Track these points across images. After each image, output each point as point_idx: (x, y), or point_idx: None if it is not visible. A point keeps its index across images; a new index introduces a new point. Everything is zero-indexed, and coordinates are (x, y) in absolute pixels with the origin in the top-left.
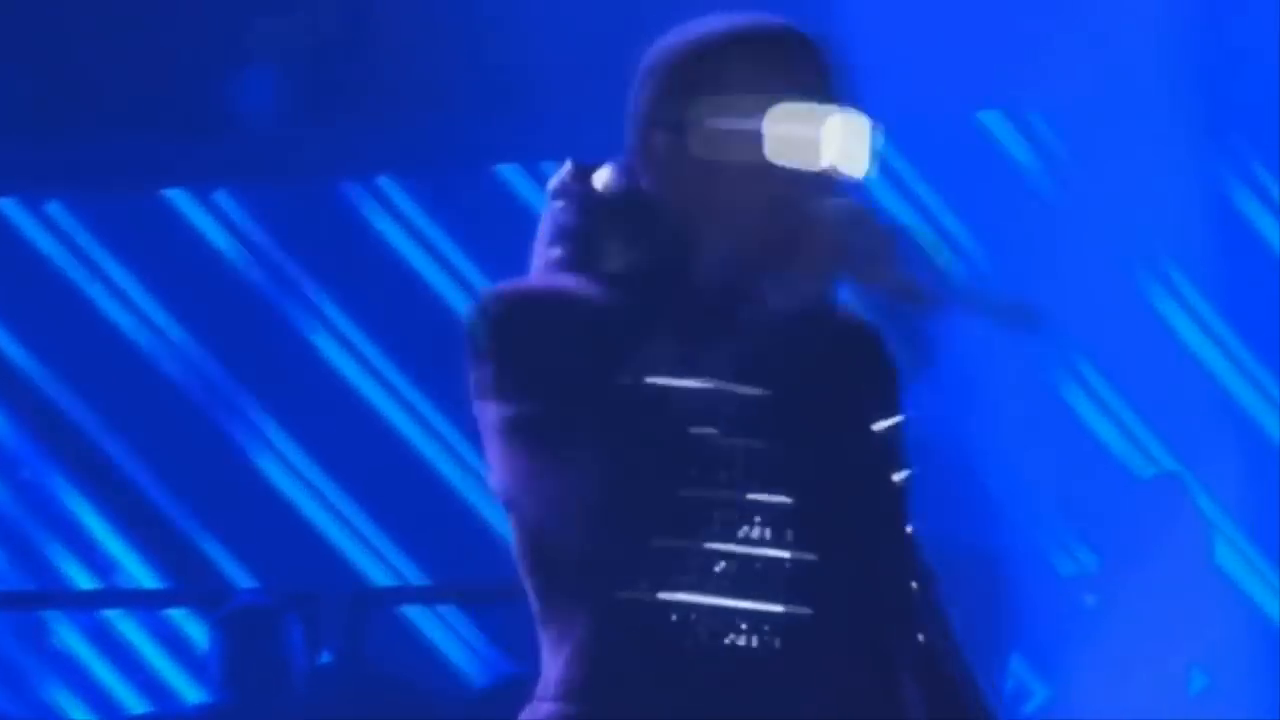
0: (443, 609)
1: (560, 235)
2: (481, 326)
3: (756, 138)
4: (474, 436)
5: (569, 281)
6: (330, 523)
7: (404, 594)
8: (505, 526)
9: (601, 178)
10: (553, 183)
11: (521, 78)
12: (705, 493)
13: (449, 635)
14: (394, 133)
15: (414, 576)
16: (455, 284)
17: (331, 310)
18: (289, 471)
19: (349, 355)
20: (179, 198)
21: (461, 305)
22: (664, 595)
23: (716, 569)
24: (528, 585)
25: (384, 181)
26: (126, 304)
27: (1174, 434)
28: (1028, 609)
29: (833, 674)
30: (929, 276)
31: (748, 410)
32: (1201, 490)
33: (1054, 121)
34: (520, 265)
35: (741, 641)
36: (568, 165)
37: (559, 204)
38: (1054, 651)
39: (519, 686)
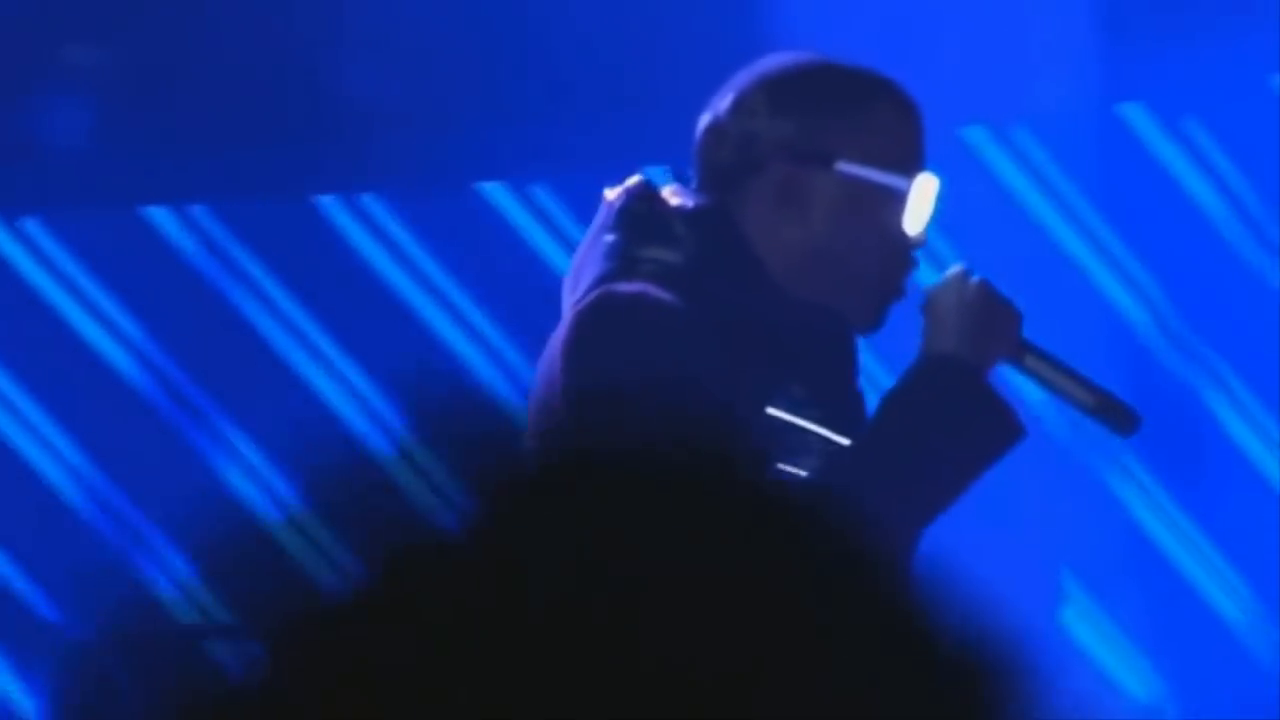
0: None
1: (646, 254)
2: (622, 328)
3: (899, 197)
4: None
5: (676, 297)
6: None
7: (210, 632)
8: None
9: (673, 197)
10: (618, 197)
11: (346, 105)
12: None
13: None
14: (210, 160)
15: (221, 614)
16: (273, 318)
17: (149, 345)
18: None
19: (163, 386)
20: None
21: (280, 341)
22: None
23: None
24: None
25: (198, 209)
26: None
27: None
28: None
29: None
30: (1041, 356)
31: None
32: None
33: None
34: (340, 300)
35: None
36: (635, 181)
37: (635, 221)
38: None
39: None
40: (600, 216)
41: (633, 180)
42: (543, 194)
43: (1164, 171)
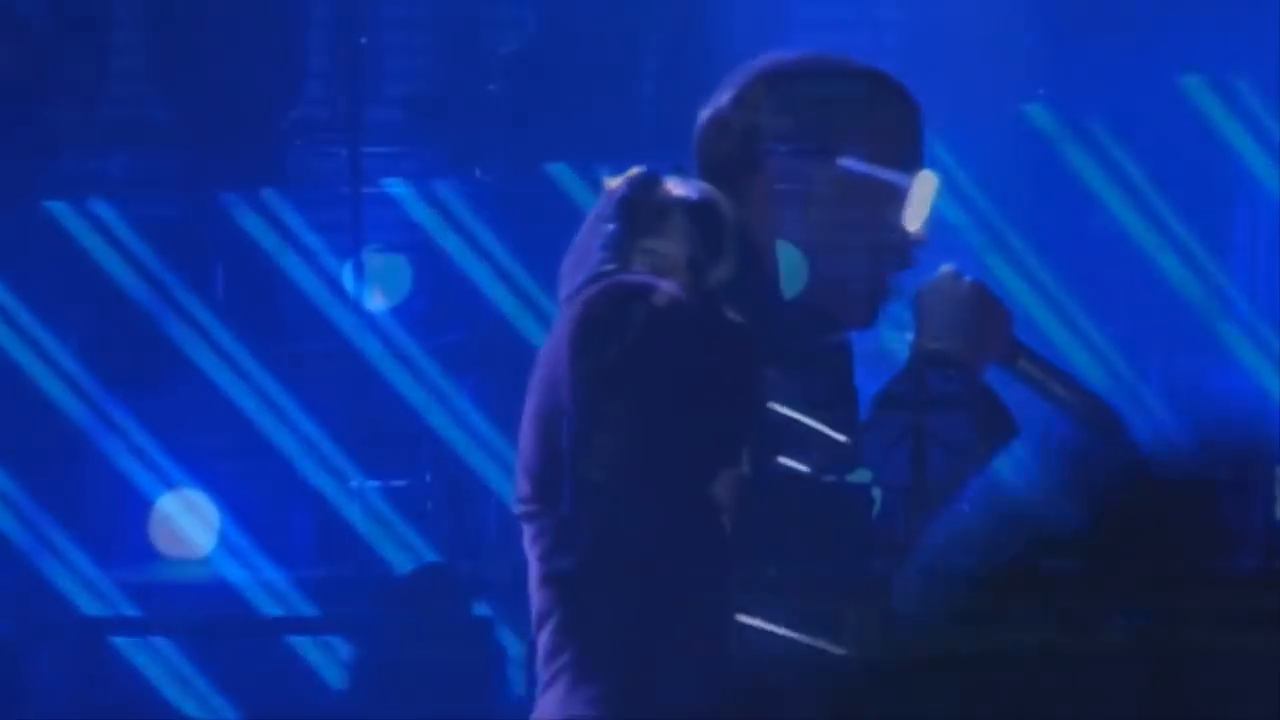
0: (156, 641)
1: (647, 245)
2: (631, 318)
3: (899, 193)
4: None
5: (678, 289)
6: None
7: (119, 626)
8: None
9: (674, 188)
10: (619, 186)
11: (253, 104)
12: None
13: (164, 669)
14: (113, 159)
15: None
16: (175, 312)
17: (48, 340)
18: None
19: (62, 380)
20: None
21: (183, 335)
22: (740, 617)
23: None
24: (566, 595)
25: (100, 205)
26: None
27: None
28: None
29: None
30: (1032, 357)
31: (835, 456)
32: None
33: None
34: (242, 294)
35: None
36: (637, 171)
37: (636, 211)
38: None
39: None
40: (600, 205)
41: (634, 170)
42: (446, 191)
43: (1070, 170)
